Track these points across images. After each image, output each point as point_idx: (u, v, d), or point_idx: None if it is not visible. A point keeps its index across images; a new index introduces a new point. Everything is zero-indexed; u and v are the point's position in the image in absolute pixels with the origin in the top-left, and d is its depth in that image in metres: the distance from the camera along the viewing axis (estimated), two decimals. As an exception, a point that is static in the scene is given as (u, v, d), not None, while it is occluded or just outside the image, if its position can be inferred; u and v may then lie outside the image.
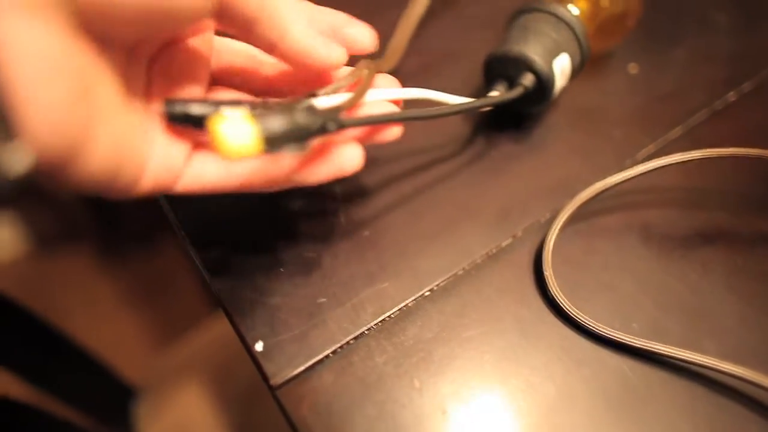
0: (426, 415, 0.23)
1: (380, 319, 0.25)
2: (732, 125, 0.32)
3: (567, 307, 0.25)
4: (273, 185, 0.22)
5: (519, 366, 0.24)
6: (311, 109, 0.20)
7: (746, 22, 0.38)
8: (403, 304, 0.25)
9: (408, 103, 0.25)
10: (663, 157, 0.27)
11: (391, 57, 0.32)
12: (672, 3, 0.38)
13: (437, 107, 0.25)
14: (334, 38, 0.22)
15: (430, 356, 0.24)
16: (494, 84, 0.29)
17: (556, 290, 0.25)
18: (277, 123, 0.18)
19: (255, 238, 0.27)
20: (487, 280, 0.26)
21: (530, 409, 0.23)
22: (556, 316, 0.25)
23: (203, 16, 0.18)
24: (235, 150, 0.17)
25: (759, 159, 0.27)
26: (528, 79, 0.28)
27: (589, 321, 0.24)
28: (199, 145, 0.21)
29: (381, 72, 0.24)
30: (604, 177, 0.28)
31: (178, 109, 0.19)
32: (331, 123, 0.20)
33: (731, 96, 0.34)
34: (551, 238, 0.27)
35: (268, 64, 0.24)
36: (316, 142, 0.20)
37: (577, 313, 0.24)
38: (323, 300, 0.25)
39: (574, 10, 0.30)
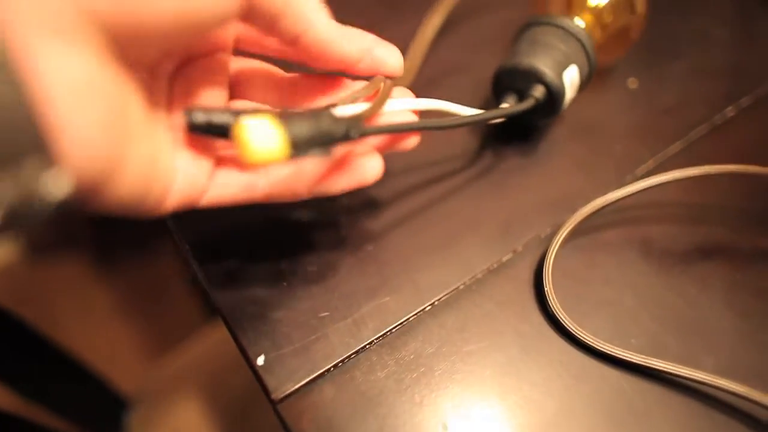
0: (427, 430, 0.23)
1: (381, 333, 0.25)
2: (731, 140, 0.32)
3: (567, 322, 0.25)
4: (296, 196, 0.22)
5: (519, 381, 0.24)
6: (334, 117, 0.20)
7: (745, 38, 0.38)
8: (404, 319, 0.26)
9: (422, 115, 0.25)
10: (663, 174, 0.27)
11: (407, 73, 0.33)
12: (672, 18, 0.38)
13: (453, 117, 0.26)
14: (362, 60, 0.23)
15: (431, 371, 0.24)
16: (503, 97, 0.30)
17: (556, 306, 0.25)
18: (303, 128, 0.18)
19: (257, 252, 0.27)
20: (488, 294, 0.27)
21: (530, 425, 0.23)
22: (556, 332, 0.25)
23: (232, 17, 0.18)
24: (262, 155, 0.17)
25: (758, 176, 0.27)
26: (539, 91, 0.28)
27: (588, 337, 0.24)
28: (221, 161, 0.22)
29: (398, 85, 0.25)
30: (604, 192, 0.28)
31: (200, 118, 0.19)
32: (353, 130, 0.20)
33: (730, 111, 0.34)
34: (552, 253, 0.27)
35: (284, 78, 0.24)
36: (339, 149, 0.20)
37: (577, 329, 0.25)
38: (325, 314, 0.26)
39: (579, 23, 0.31)
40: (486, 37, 0.37)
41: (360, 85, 0.24)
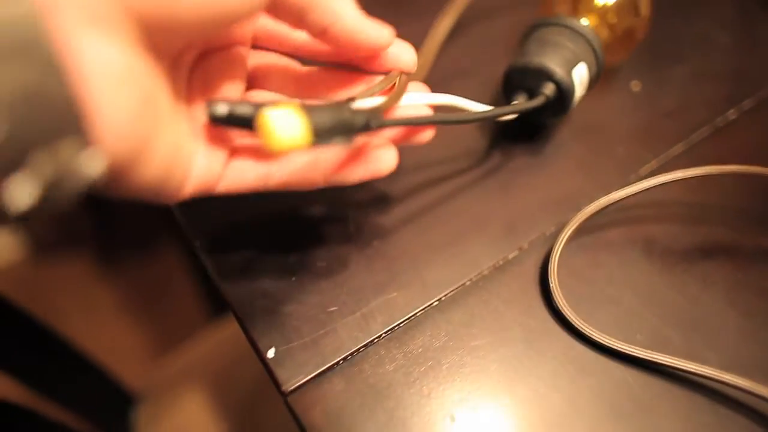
0: (435, 422, 0.23)
1: (390, 327, 0.26)
2: (733, 142, 0.33)
3: (572, 318, 0.25)
4: (312, 186, 0.22)
5: (525, 375, 0.25)
6: (353, 109, 0.20)
7: (747, 42, 0.39)
8: (412, 314, 0.26)
9: (436, 110, 0.25)
10: (666, 174, 0.28)
11: (420, 70, 0.33)
12: (674, 22, 0.39)
13: (468, 113, 0.26)
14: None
15: (438, 364, 0.25)
16: (514, 95, 0.30)
17: (562, 302, 0.26)
18: (324, 117, 0.19)
19: (266, 246, 0.28)
20: (494, 291, 0.27)
21: (536, 417, 0.24)
22: (561, 327, 0.26)
23: (260, 10, 0.19)
24: (285, 142, 0.17)
25: (759, 176, 0.28)
26: (549, 89, 0.29)
27: (593, 332, 0.25)
28: (236, 152, 0.22)
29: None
30: (608, 192, 0.28)
31: (222, 109, 0.19)
32: (373, 120, 0.20)
33: (732, 113, 0.34)
34: (557, 251, 0.27)
35: (301, 72, 0.25)
36: (358, 139, 0.21)
37: (582, 324, 0.25)
38: (334, 309, 0.26)
39: (586, 24, 0.31)
40: (495, 39, 0.38)
41: (376, 80, 0.24)
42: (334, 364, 0.25)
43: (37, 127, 0.13)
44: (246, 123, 0.19)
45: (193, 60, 0.21)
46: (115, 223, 1.13)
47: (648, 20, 0.34)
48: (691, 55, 0.38)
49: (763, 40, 0.39)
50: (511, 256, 0.28)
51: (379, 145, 0.23)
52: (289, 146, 0.18)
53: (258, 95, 0.24)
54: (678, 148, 0.33)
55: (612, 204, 0.28)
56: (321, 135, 0.18)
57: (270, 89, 0.24)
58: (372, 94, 0.23)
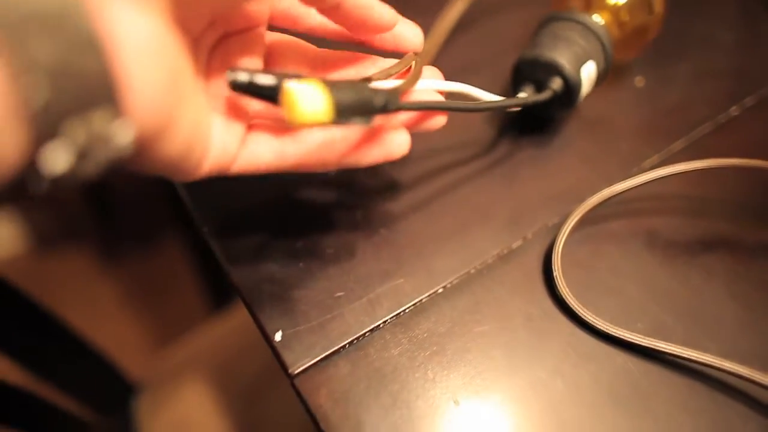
0: (439, 405, 0.24)
1: (395, 313, 0.26)
2: (734, 138, 0.33)
3: (575, 306, 0.26)
4: (325, 167, 0.23)
5: (528, 361, 0.25)
6: (373, 88, 0.21)
7: (750, 41, 0.39)
8: (417, 300, 0.27)
9: (447, 97, 0.26)
10: (668, 166, 0.28)
11: (428, 53, 0.34)
12: (678, 21, 0.39)
13: (478, 102, 0.27)
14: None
15: (443, 349, 0.25)
16: (522, 87, 0.31)
17: (565, 290, 0.26)
18: (347, 95, 0.19)
19: (274, 232, 0.28)
20: (499, 279, 0.27)
21: (538, 402, 0.24)
22: (564, 315, 0.26)
23: None
24: (308, 116, 0.18)
25: (760, 170, 0.28)
26: (557, 84, 0.30)
27: (596, 319, 0.25)
28: (252, 127, 0.22)
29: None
30: (611, 184, 0.29)
31: (244, 77, 0.20)
32: (391, 102, 0.21)
33: (734, 110, 0.35)
34: (560, 241, 0.28)
35: (316, 52, 0.25)
36: (376, 120, 0.21)
37: (585, 312, 0.26)
38: (341, 294, 0.27)
39: (598, 20, 0.32)
40: (503, 33, 0.38)
41: (390, 62, 0.25)
42: (340, 348, 0.25)
43: (72, 97, 0.13)
44: (266, 93, 0.20)
45: (213, 42, 0.22)
46: (117, 216, 1.14)
47: (661, 18, 0.34)
48: (694, 52, 0.38)
49: (766, 39, 0.39)
50: (515, 246, 0.29)
51: (392, 128, 0.23)
52: (311, 120, 0.18)
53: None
54: (680, 144, 0.33)
55: (615, 196, 0.29)
56: (342, 112, 0.19)
57: (286, 69, 0.25)
58: (388, 76, 0.23)
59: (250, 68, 0.20)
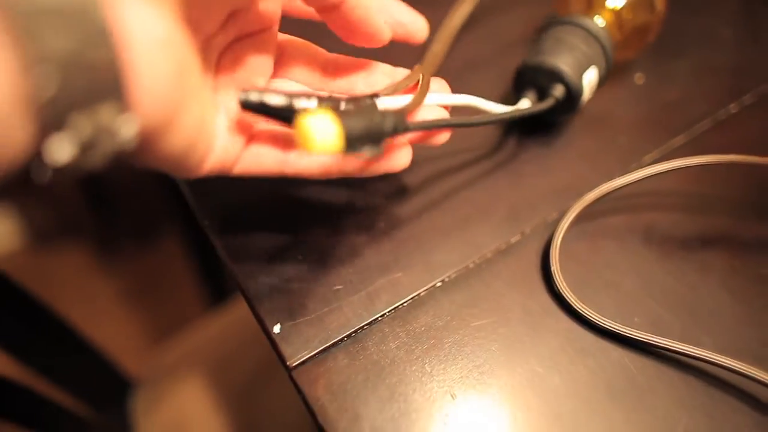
0: (436, 398, 0.24)
1: (394, 306, 0.26)
2: (733, 135, 0.34)
3: (572, 301, 0.26)
4: (326, 176, 0.23)
5: (525, 355, 0.25)
6: (381, 112, 0.21)
7: (749, 37, 0.39)
8: (415, 294, 0.27)
9: (453, 109, 0.26)
10: (666, 162, 0.28)
11: (433, 62, 0.34)
12: (678, 17, 0.39)
13: (482, 115, 0.27)
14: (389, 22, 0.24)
15: (440, 343, 0.25)
16: (524, 92, 0.31)
17: (563, 285, 0.26)
18: (358, 123, 0.20)
19: (274, 226, 0.28)
20: (497, 273, 0.28)
21: (535, 396, 0.24)
22: (561, 310, 0.26)
23: None
24: (320, 147, 0.18)
25: (758, 166, 0.28)
26: (559, 91, 0.30)
27: (593, 314, 0.25)
28: (256, 137, 0.23)
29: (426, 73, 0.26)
30: (609, 180, 0.29)
31: (254, 97, 0.20)
32: (399, 126, 0.22)
33: (733, 107, 0.35)
34: (558, 236, 0.28)
35: (327, 57, 0.25)
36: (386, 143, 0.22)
37: (582, 307, 0.26)
38: (339, 287, 0.27)
39: (599, 21, 0.32)
40: (509, 33, 0.38)
41: (399, 74, 0.25)
42: (338, 341, 0.25)
43: (81, 89, 0.13)
44: (276, 113, 0.20)
45: (225, 44, 0.22)
46: (115, 212, 1.14)
47: (662, 17, 0.34)
48: (694, 49, 0.38)
49: (766, 36, 0.39)
50: (513, 241, 0.29)
51: (397, 144, 0.23)
52: (323, 151, 0.19)
53: (283, 84, 0.24)
54: (679, 140, 0.33)
55: (613, 191, 0.29)
56: (353, 142, 0.19)
57: (295, 72, 0.25)
58: (395, 91, 0.23)
59: (259, 87, 0.21)
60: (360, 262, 0.27)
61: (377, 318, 0.26)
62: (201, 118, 0.19)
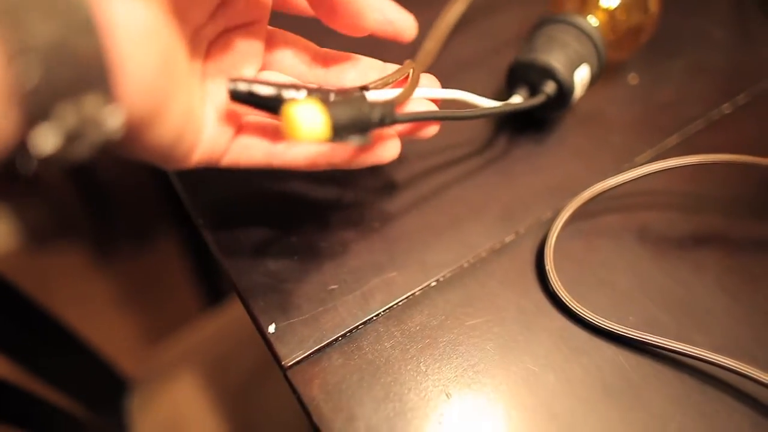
0: (431, 398, 0.24)
1: (388, 306, 0.26)
2: (726, 135, 0.34)
3: (566, 299, 0.26)
4: (314, 168, 0.23)
5: (520, 354, 0.25)
6: (369, 103, 0.21)
7: (742, 38, 0.39)
8: (410, 293, 0.27)
9: (443, 103, 0.26)
10: (660, 161, 0.28)
11: (425, 59, 0.34)
12: (673, 18, 0.39)
13: (472, 109, 0.27)
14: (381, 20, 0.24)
15: (435, 342, 0.25)
16: (516, 88, 0.31)
17: (557, 284, 0.26)
18: (345, 113, 0.20)
19: (269, 226, 0.28)
20: (491, 273, 0.28)
21: (530, 395, 0.24)
22: (556, 309, 0.27)
23: None
24: (306, 135, 0.18)
25: (751, 166, 0.28)
26: (550, 87, 0.30)
27: (587, 313, 0.26)
28: (244, 128, 0.23)
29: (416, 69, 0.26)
30: (603, 179, 0.29)
31: (243, 87, 0.20)
32: (387, 117, 0.21)
33: (726, 107, 0.35)
34: (553, 235, 0.28)
35: (316, 50, 0.25)
36: (374, 134, 0.22)
37: (576, 306, 0.26)
38: (334, 287, 0.27)
39: (593, 21, 0.32)
40: (502, 31, 0.39)
41: (389, 69, 0.25)
42: (333, 340, 0.25)
43: (65, 80, 0.13)
44: (265, 104, 0.20)
45: (214, 35, 0.22)
46: (111, 212, 1.13)
47: (656, 18, 0.34)
48: (688, 50, 0.38)
49: (759, 37, 0.39)
50: (508, 240, 0.29)
51: (385, 135, 0.23)
52: (309, 139, 0.19)
53: (272, 76, 0.24)
54: (673, 140, 0.33)
55: (608, 191, 0.29)
56: (339, 131, 0.19)
57: (285, 65, 0.25)
58: (385, 85, 0.23)
59: (248, 78, 0.21)
60: (354, 262, 0.27)
61: (372, 317, 0.26)
62: (188, 108, 0.19)
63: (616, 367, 0.25)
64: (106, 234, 1.14)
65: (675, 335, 0.25)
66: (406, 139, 0.25)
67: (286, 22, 0.26)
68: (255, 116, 0.23)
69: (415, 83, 0.24)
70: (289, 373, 0.24)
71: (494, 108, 0.28)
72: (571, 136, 0.33)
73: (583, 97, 0.34)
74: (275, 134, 0.23)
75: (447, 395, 0.24)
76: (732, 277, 0.28)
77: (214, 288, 0.89)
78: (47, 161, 0.14)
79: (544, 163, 0.32)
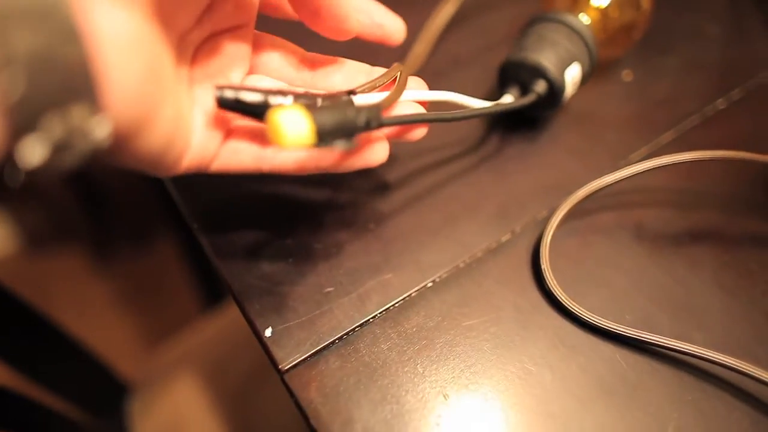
0: (428, 399, 0.24)
1: (385, 308, 0.26)
2: (721, 131, 0.34)
3: (563, 298, 0.26)
4: (303, 171, 0.23)
5: (517, 353, 0.25)
6: (355, 107, 0.21)
7: (736, 33, 0.39)
8: (406, 294, 0.27)
9: (432, 105, 0.26)
10: (655, 158, 0.28)
11: (414, 62, 0.34)
12: (666, 14, 0.39)
13: (460, 110, 0.27)
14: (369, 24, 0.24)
15: (432, 343, 0.25)
16: (507, 88, 0.31)
17: (553, 283, 0.26)
18: (330, 118, 0.20)
19: (264, 230, 0.28)
20: (487, 272, 0.28)
21: (527, 394, 0.24)
22: (552, 308, 0.26)
23: None
24: (291, 141, 0.18)
25: (746, 162, 0.28)
26: (541, 87, 0.30)
27: (583, 312, 0.26)
28: (233, 133, 0.23)
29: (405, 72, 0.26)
30: (599, 177, 0.29)
31: (230, 94, 0.20)
32: (373, 121, 0.21)
33: (721, 103, 0.35)
34: (548, 234, 0.28)
35: (304, 55, 0.25)
36: (360, 138, 0.22)
37: (573, 305, 0.26)
38: (330, 289, 0.27)
39: (584, 19, 0.32)
40: (494, 30, 0.39)
41: (376, 72, 0.25)
42: (330, 343, 0.25)
43: (51, 90, 0.13)
44: (252, 110, 0.20)
45: (200, 40, 0.22)
46: (108, 216, 1.13)
47: (648, 15, 0.34)
48: (682, 46, 0.38)
49: (753, 32, 0.39)
50: (503, 239, 0.29)
51: (373, 140, 0.23)
52: (294, 145, 0.19)
53: (259, 80, 0.24)
54: (668, 136, 0.33)
55: (603, 188, 0.29)
56: (324, 136, 0.19)
57: (272, 70, 0.25)
58: (373, 89, 0.23)
59: (235, 85, 0.21)
60: (350, 264, 0.27)
61: (368, 320, 0.26)
62: (177, 115, 0.19)
63: (614, 366, 0.25)
64: (105, 237, 1.13)
65: (672, 333, 0.25)
66: (396, 141, 0.25)
67: (274, 29, 0.25)
68: (243, 121, 0.23)
69: (402, 86, 0.24)
70: (287, 377, 0.24)
71: (484, 108, 0.28)
72: (565, 134, 0.33)
73: (576, 95, 0.34)
74: (264, 138, 0.23)
75: (444, 396, 0.24)
76: (729, 273, 0.28)
77: (212, 290, 0.89)
78: (35, 172, 0.14)
79: (538, 161, 0.32)
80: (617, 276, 0.28)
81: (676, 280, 0.28)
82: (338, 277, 0.27)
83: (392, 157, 0.31)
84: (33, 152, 0.14)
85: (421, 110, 0.25)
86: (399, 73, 0.24)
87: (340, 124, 0.20)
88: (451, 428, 0.23)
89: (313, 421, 0.23)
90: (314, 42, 0.25)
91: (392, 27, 0.25)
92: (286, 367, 0.25)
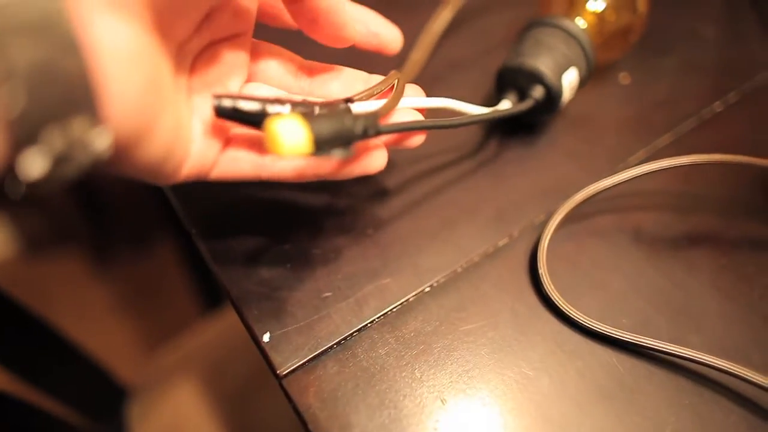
0: (426, 404, 0.24)
1: (382, 312, 0.26)
2: (718, 133, 0.34)
3: (560, 303, 0.26)
4: (302, 179, 0.23)
5: (514, 358, 0.25)
6: (352, 115, 0.21)
7: (733, 36, 0.39)
8: (404, 299, 0.27)
9: (430, 111, 0.26)
10: (653, 162, 0.28)
11: (412, 69, 0.34)
12: (663, 16, 0.39)
13: (458, 117, 0.27)
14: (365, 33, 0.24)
15: (430, 348, 0.25)
16: (505, 93, 0.31)
17: (550, 287, 0.26)
18: (327, 127, 0.20)
19: (262, 235, 0.28)
20: (485, 277, 0.28)
21: (525, 399, 0.24)
22: (550, 312, 0.26)
23: None
24: (289, 150, 0.18)
25: (744, 165, 0.28)
26: (538, 92, 0.30)
27: (581, 316, 0.26)
28: (232, 141, 0.23)
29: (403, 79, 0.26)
30: (596, 181, 0.29)
31: (227, 103, 0.20)
32: (371, 128, 0.22)
33: (718, 106, 0.35)
34: (546, 238, 0.28)
35: (302, 63, 0.25)
36: (357, 146, 0.22)
37: (570, 309, 0.26)
38: (328, 294, 0.27)
39: (581, 23, 0.32)
40: (492, 35, 0.39)
41: (374, 80, 0.25)
42: (328, 348, 0.25)
43: (51, 103, 0.13)
44: (250, 119, 0.20)
45: (198, 49, 0.22)
46: (108, 220, 1.13)
47: (645, 18, 0.34)
48: (679, 48, 0.38)
49: (750, 35, 0.39)
50: (501, 244, 0.29)
51: (371, 146, 0.23)
52: (292, 154, 0.19)
53: (257, 88, 0.24)
54: (665, 139, 0.33)
55: (600, 192, 0.29)
56: (322, 145, 0.19)
57: (270, 78, 0.25)
58: (370, 96, 0.23)
59: (233, 94, 0.21)
60: (348, 268, 0.27)
61: (366, 324, 0.26)
62: (176, 124, 0.19)
63: (611, 370, 0.25)
64: (104, 241, 1.13)
65: (670, 336, 0.25)
66: (394, 147, 0.25)
67: (272, 37, 0.26)
68: (242, 129, 0.23)
69: (399, 94, 0.24)
70: (285, 382, 0.24)
71: (482, 115, 0.28)
72: (563, 138, 0.33)
73: (574, 98, 0.34)
74: (263, 147, 0.23)
75: (442, 401, 0.24)
76: (727, 276, 0.28)
77: (211, 294, 0.89)
78: (36, 184, 0.14)
79: (536, 165, 0.32)
80: (615, 279, 0.28)
81: (674, 283, 0.28)
82: (336, 282, 0.27)
83: (390, 163, 0.31)
84: (34, 165, 0.14)
85: (419, 117, 0.25)
86: (396, 80, 0.25)
87: (337, 132, 0.20)
88: (449, 433, 0.23)
89: (311, 426, 0.23)
90: (311, 50, 0.25)
91: (388, 36, 0.25)
92: (284, 373, 0.25)
